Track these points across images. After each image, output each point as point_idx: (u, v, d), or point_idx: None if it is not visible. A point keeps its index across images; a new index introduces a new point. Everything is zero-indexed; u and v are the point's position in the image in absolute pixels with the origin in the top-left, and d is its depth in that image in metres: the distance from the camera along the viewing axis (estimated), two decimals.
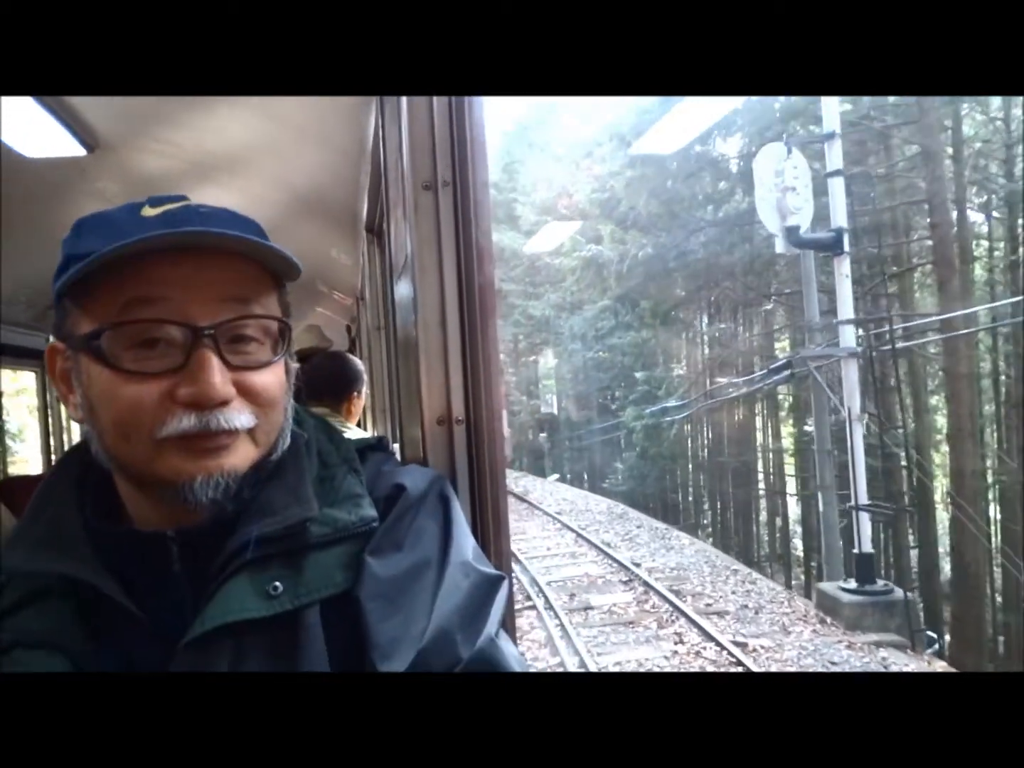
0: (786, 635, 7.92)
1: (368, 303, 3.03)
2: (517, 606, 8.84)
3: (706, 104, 5.84)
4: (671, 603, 8.80)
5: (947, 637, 13.23)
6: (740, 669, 6.75)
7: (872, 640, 7.73)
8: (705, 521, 25.01)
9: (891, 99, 13.62)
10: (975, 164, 14.82)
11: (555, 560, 11.52)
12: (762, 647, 7.47)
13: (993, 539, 15.15)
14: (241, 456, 0.62)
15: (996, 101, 14.81)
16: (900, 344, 12.63)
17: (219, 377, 0.60)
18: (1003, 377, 16.63)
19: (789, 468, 21.67)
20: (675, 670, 6.79)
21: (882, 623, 8.12)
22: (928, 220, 14.22)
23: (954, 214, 13.91)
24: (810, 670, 6.80)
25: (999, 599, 15.95)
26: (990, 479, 16.14)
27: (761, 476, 22.95)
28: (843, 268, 9.25)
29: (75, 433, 4.67)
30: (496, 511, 0.88)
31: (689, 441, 25.26)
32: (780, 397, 20.76)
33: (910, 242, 15.49)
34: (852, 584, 8.63)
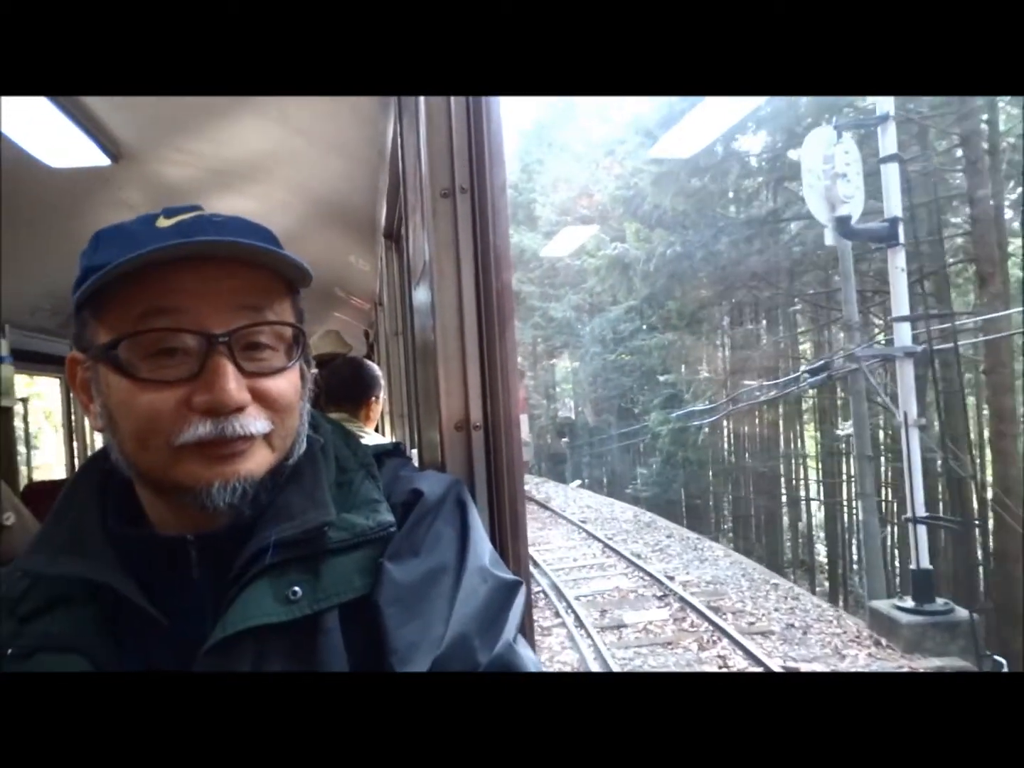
0: (840, 659, 7.35)
1: (386, 308, 3.05)
2: (546, 623, 8.57)
3: (731, 101, 5.73)
4: (711, 622, 8.17)
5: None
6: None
7: (935, 665, 7.09)
8: (726, 527, 24.59)
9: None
10: (1010, 159, 14.30)
11: (583, 572, 11.01)
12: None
13: None
14: (258, 461, 0.63)
15: None
16: (965, 341, 11.63)
17: (234, 384, 0.60)
18: None
19: (821, 473, 20.97)
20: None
21: (943, 646, 7.48)
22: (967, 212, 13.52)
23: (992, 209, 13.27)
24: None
25: None
26: None
27: (803, 482, 22.29)
28: (898, 261, 8.55)
29: (98, 438, 4.74)
30: (514, 516, 0.88)
31: (721, 445, 24.57)
32: (814, 400, 20.08)
33: (953, 236, 14.70)
34: (909, 603, 7.91)
